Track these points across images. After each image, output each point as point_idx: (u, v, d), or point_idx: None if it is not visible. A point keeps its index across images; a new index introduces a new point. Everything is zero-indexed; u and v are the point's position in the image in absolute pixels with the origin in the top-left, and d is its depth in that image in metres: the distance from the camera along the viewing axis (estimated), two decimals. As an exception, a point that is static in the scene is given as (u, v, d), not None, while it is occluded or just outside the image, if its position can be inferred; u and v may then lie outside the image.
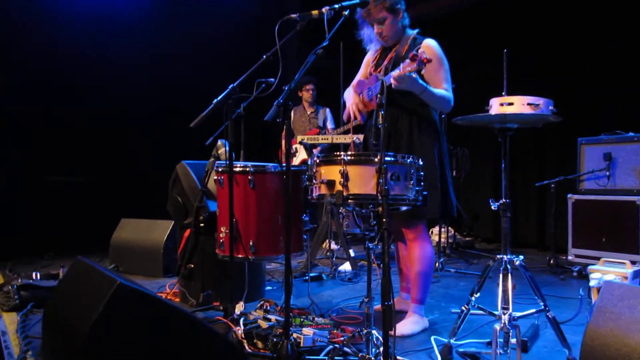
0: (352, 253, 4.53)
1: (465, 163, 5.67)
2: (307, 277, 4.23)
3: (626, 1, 4.99)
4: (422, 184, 2.30)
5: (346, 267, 4.49)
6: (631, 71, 4.95)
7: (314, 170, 2.31)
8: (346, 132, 4.14)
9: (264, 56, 2.67)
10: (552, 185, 4.55)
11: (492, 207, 2.29)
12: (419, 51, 2.35)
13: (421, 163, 2.33)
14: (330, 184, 2.19)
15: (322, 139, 4.86)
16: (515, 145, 5.92)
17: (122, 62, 5.99)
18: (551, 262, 4.51)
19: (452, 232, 5.82)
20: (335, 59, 4.74)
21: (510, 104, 2.24)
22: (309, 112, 6.05)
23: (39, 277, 3.53)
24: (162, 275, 4.29)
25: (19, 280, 3.34)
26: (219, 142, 3.28)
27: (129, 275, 4.42)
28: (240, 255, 2.87)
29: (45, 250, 5.32)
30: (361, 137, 3.06)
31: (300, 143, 5.30)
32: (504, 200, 2.30)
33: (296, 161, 5.56)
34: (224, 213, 2.91)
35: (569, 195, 4.52)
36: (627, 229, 4.09)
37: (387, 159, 2.16)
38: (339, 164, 2.19)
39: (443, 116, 3.45)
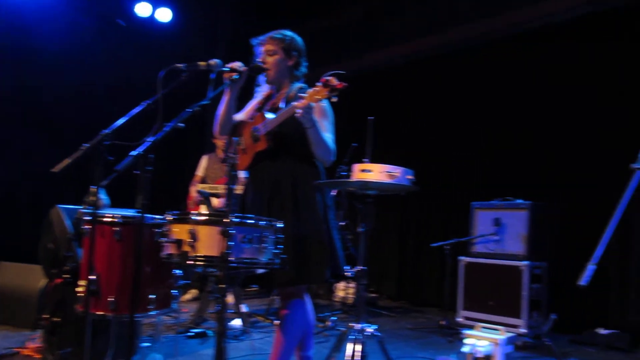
0: (243, 308, 4.39)
1: (369, 219, 5.69)
2: (191, 333, 4.04)
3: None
4: (279, 246, 2.24)
5: (236, 322, 4.33)
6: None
7: (166, 228, 2.21)
8: None
9: (144, 103, 2.60)
10: (447, 247, 4.64)
11: (348, 275, 2.27)
12: (330, 77, 2.20)
13: (280, 225, 2.26)
14: (178, 243, 2.10)
15: (221, 188, 4.76)
16: (423, 206, 6.20)
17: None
18: (441, 323, 4.55)
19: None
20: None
21: (370, 171, 2.27)
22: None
23: None
24: (31, 327, 3.94)
25: None
26: (92, 189, 3.11)
27: (-3, 325, 4.08)
28: (99, 312, 2.70)
29: None
30: None
31: (199, 192, 5.19)
32: (360, 267, 2.29)
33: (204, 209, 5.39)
34: (87, 266, 2.73)
35: (459, 258, 4.62)
36: (512, 294, 4.20)
37: (238, 220, 2.10)
38: (188, 223, 2.11)
39: None
